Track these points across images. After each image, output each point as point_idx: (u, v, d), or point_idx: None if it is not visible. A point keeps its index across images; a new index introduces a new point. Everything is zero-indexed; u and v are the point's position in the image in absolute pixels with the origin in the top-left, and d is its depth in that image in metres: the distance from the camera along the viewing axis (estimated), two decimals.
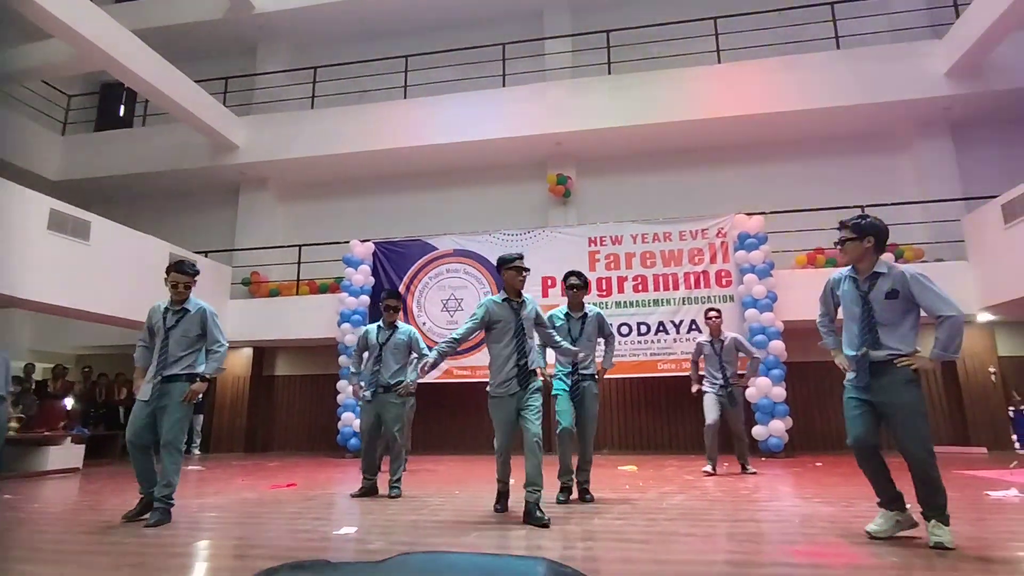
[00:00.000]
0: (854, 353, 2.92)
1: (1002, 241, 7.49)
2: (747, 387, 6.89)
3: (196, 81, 10.05)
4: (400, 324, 4.93)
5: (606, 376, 4.67)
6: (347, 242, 9.63)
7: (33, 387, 8.73)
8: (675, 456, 8.03)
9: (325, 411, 9.76)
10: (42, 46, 8.97)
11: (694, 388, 6.02)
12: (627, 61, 10.27)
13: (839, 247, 3.01)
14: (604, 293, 8.64)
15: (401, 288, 9.15)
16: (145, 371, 3.84)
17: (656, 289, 8.58)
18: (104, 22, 8.36)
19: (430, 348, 4.22)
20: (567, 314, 4.39)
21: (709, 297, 8.33)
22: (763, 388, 7.64)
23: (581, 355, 4.25)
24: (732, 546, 2.94)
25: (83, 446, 7.41)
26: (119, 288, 7.75)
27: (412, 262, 9.38)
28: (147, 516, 3.60)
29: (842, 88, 9.12)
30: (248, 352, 10.33)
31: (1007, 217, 7.35)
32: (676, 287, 8.53)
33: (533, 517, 3.37)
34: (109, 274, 7.67)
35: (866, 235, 2.90)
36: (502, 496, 3.90)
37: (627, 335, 8.44)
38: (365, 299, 9.09)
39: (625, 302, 8.61)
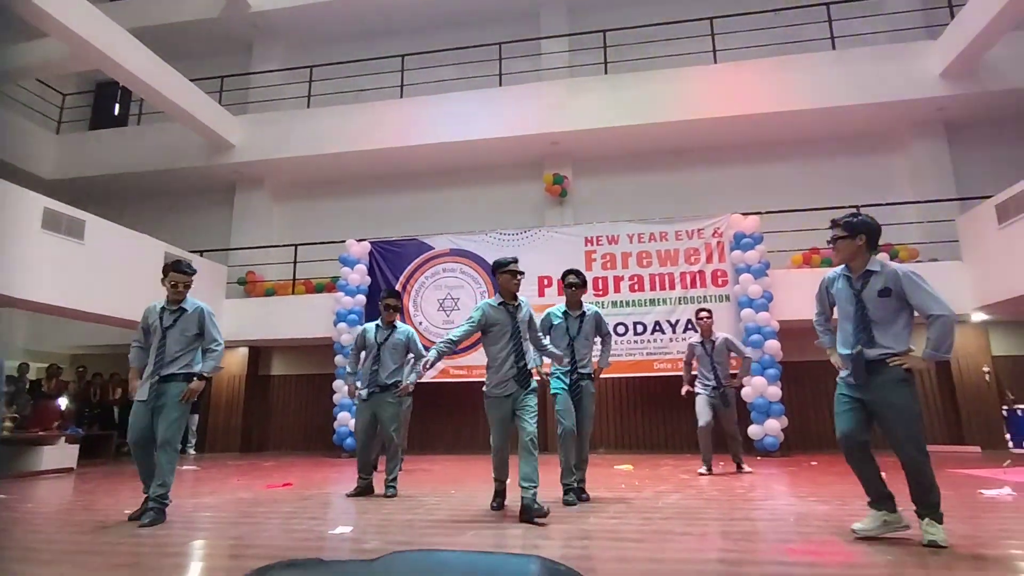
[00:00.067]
0: (848, 351, 2.93)
1: (996, 241, 7.53)
2: (740, 387, 6.87)
3: (191, 80, 10.02)
4: (399, 324, 4.92)
5: (602, 375, 4.68)
6: (343, 241, 9.62)
7: (27, 387, 8.69)
8: (671, 455, 8.05)
9: (321, 411, 9.74)
10: (37, 45, 8.93)
11: (683, 390, 5.99)
12: (623, 61, 10.29)
13: (831, 245, 3.03)
14: (600, 293, 8.65)
15: (397, 287, 9.14)
16: (140, 372, 3.83)
17: (652, 289, 8.59)
18: (99, 20, 8.32)
19: (427, 348, 4.22)
20: (565, 312, 4.38)
21: (705, 297, 8.35)
22: (759, 387, 7.67)
23: (581, 353, 4.26)
24: (727, 544, 2.95)
25: (77, 446, 7.38)
26: (114, 287, 7.71)
27: (408, 261, 9.38)
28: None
29: (837, 88, 9.15)
30: (244, 352, 10.29)
31: (1001, 217, 7.39)
32: (672, 287, 8.54)
33: (531, 511, 3.38)
34: (104, 273, 7.64)
35: (858, 233, 2.92)
36: (499, 494, 3.91)
37: (623, 335, 8.45)
38: (361, 299, 9.08)
39: (621, 302, 8.62)
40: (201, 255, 9.72)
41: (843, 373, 2.98)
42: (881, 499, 2.87)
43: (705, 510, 3.85)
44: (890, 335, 2.85)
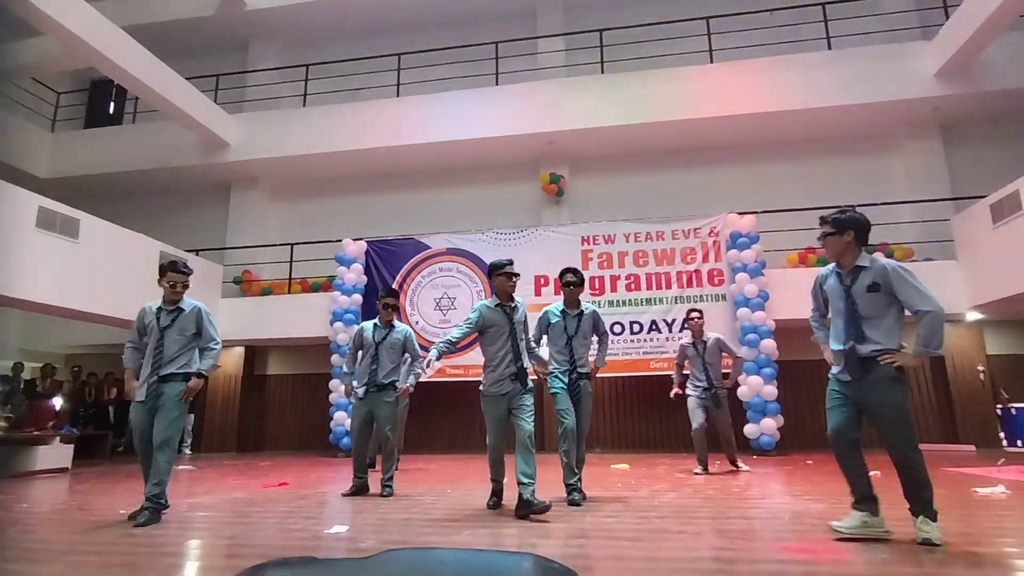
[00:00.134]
0: (840, 347, 2.94)
1: (991, 241, 7.56)
2: (732, 388, 6.62)
3: (187, 78, 9.98)
4: (396, 323, 4.90)
5: (598, 375, 4.68)
6: (339, 241, 9.60)
7: (22, 386, 8.64)
8: (667, 454, 8.07)
9: (317, 410, 9.73)
10: (31, 43, 8.89)
11: (672, 392, 5.93)
12: (620, 60, 10.30)
13: (821, 243, 3.05)
14: (597, 292, 8.65)
15: (394, 287, 9.13)
16: (136, 372, 3.82)
17: (649, 288, 8.60)
18: (94, 18, 8.28)
19: (424, 348, 4.22)
20: (563, 311, 4.37)
21: (701, 296, 8.37)
22: (754, 386, 7.69)
23: (579, 352, 4.26)
24: (723, 543, 2.95)
25: (72, 446, 7.35)
26: (108, 287, 7.68)
27: (405, 261, 9.37)
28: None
29: (833, 88, 9.17)
30: (240, 351, 10.27)
31: (995, 217, 7.42)
32: (668, 286, 8.55)
33: (530, 506, 3.38)
34: (98, 273, 7.61)
35: (846, 229, 2.93)
36: (495, 494, 3.91)
37: (620, 334, 8.46)
38: (357, 298, 9.07)
39: (618, 301, 8.63)
40: (197, 254, 9.70)
41: (835, 369, 2.99)
42: (864, 500, 2.86)
43: (701, 509, 3.85)
44: (880, 331, 2.85)
